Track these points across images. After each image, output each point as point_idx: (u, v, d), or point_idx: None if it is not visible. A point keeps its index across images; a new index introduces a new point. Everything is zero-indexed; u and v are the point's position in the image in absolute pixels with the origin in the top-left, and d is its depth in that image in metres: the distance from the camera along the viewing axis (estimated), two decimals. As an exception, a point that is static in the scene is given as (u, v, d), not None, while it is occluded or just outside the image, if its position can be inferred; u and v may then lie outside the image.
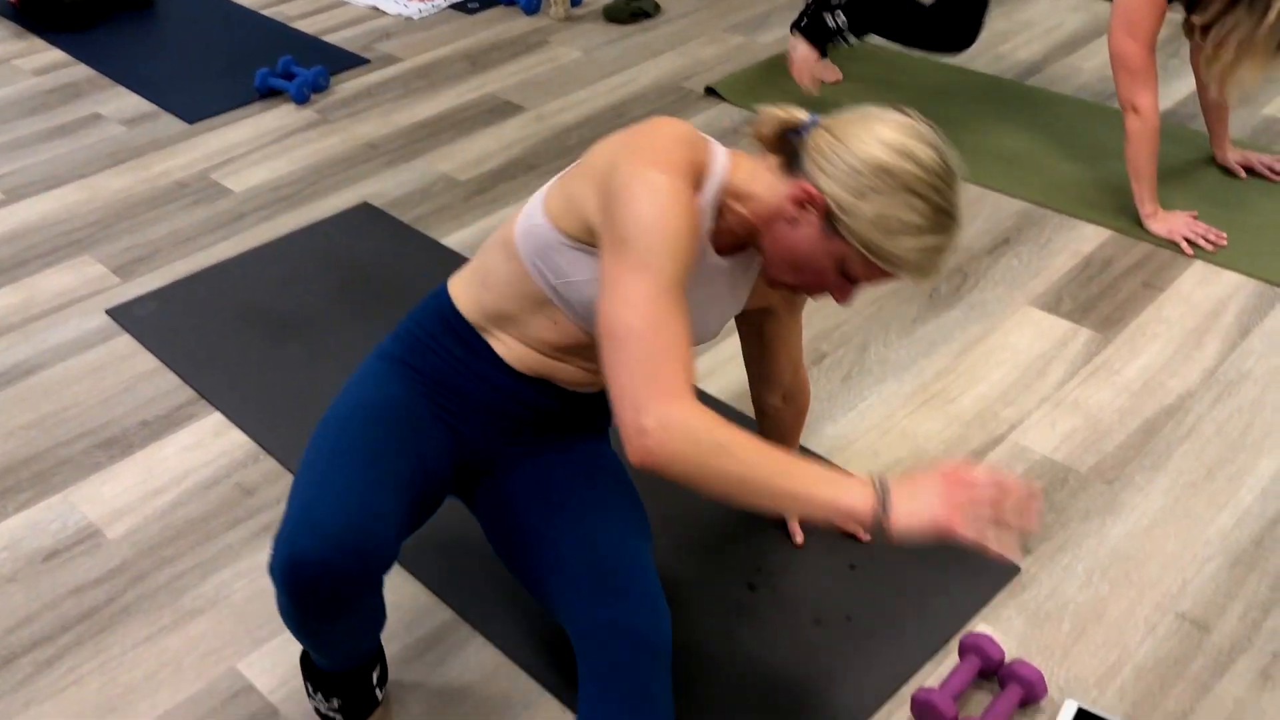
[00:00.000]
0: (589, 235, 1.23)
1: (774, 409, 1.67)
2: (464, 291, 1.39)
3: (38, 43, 3.57)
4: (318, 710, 1.44)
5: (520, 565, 1.37)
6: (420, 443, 1.33)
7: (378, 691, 1.44)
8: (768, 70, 3.22)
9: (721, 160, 1.26)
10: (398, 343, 1.41)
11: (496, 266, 1.35)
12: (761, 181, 1.25)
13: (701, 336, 1.38)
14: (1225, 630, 1.60)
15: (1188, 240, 2.39)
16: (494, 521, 1.41)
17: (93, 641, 1.63)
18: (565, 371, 1.37)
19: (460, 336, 1.38)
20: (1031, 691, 1.47)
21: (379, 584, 1.22)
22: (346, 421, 1.30)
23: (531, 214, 1.31)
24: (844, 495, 1.09)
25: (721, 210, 1.27)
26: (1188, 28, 2.29)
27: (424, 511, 1.34)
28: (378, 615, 1.31)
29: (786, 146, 1.25)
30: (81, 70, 3.38)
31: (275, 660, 1.59)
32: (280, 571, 1.16)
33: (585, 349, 1.35)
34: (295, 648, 1.61)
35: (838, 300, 1.27)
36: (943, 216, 1.16)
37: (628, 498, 1.38)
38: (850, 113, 1.21)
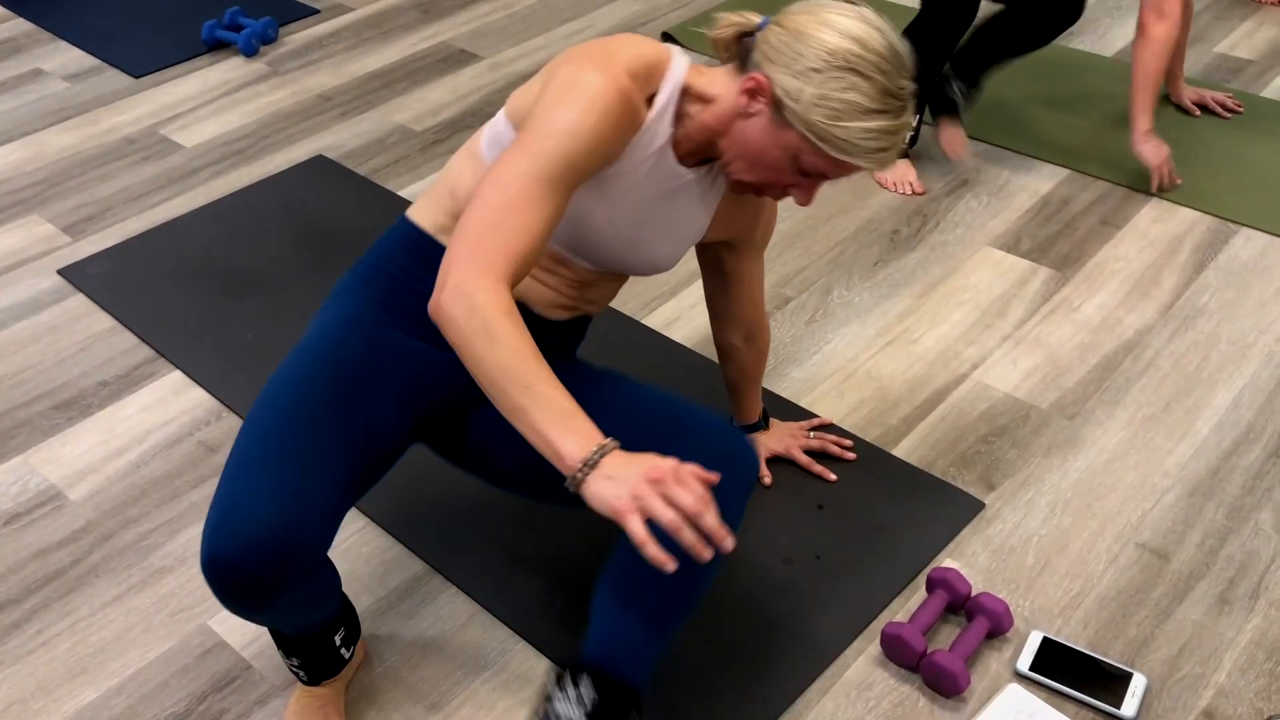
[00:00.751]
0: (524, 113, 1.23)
1: (735, 349, 1.67)
2: (428, 210, 1.35)
3: (-27, -3, 3.46)
4: (285, 662, 1.43)
5: (542, 481, 1.32)
6: (371, 403, 1.27)
7: (343, 652, 1.41)
8: (726, 12, 3.18)
9: (680, 65, 1.26)
10: (356, 279, 1.37)
11: (463, 174, 1.32)
12: (718, 84, 1.24)
13: (661, 256, 1.37)
14: (1184, 558, 1.64)
15: (1161, 174, 2.35)
16: (489, 457, 1.36)
17: (60, 603, 1.62)
18: (537, 291, 1.35)
19: (425, 254, 1.33)
20: (998, 623, 1.50)
21: (316, 569, 1.20)
22: (285, 390, 1.23)
23: (495, 120, 1.30)
24: (561, 440, 1.05)
25: (680, 116, 1.26)
26: None
27: (375, 472, 1.29)
28: (324, 591, 1.26)
29: (743, 49, 1.24)
30: (20, 24, 3.28)
31: (247, 616, 1.59)
32: (204, 568, 1.13)
33: (559, 268, 1.34)
34: (267, 603, 1.60)
35: (799, 201, 1.26)
36: (889, 98, 1.15)
37: (634, 382, 1.37)
38: (800, 5, 1.20)
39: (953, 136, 2.44)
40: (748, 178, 1.25)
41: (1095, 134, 2.59)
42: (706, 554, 1.02)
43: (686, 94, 1.26)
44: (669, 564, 1.01)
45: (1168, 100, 2.71)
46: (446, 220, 1.33)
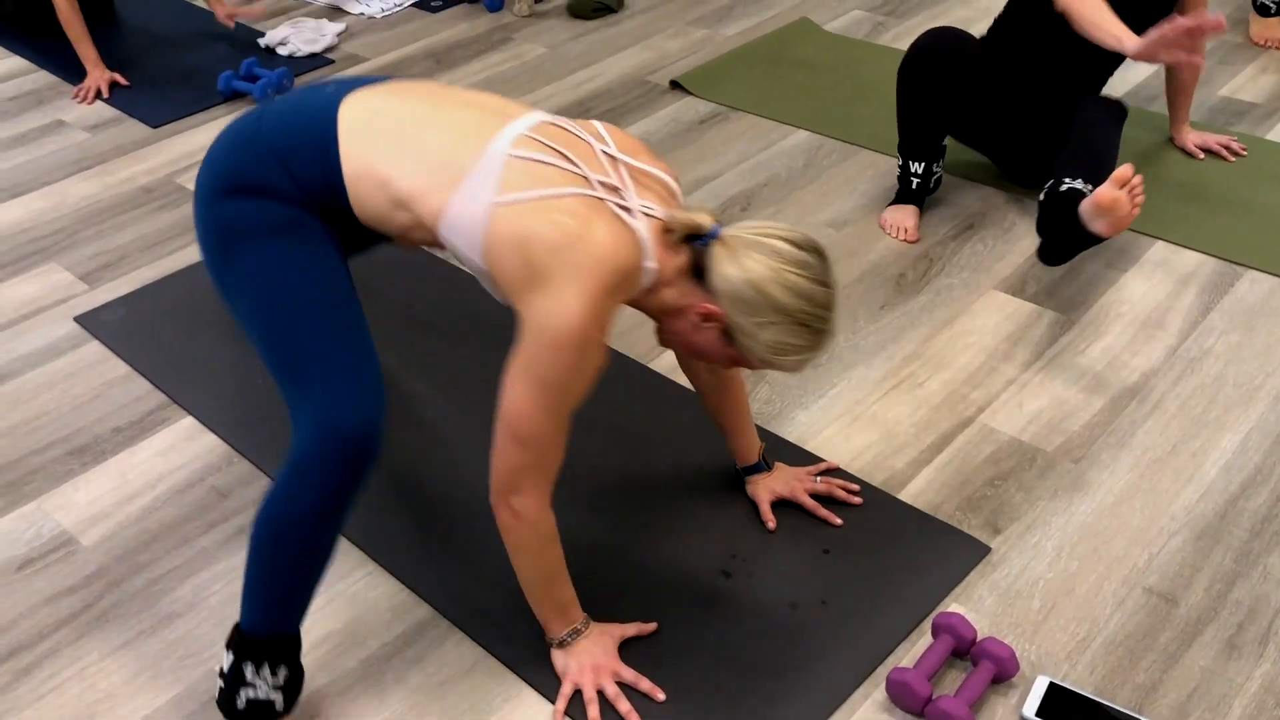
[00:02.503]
0: (507, 289, 1.37)
1: (707, 385, 1.70)
2: (365, 184, 1.41)
3: (-3, 50, 3.54)
4: (250, 702, 1.41)
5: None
6: (346, 277, 1.45)
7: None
8: (732, 63, 3.23)
9: (648, 270, 1.38)
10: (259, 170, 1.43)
11: (404, 195, 1.40)
12: (674, 281, 1.40)
13: None
14: (1191, 602, 1.63)
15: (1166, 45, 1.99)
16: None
17: (71, 648, 1.63)
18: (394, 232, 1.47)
19: (327, 165, 1.42)
20: (1004, 668, 1.50)
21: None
22: (314, 296, 1.40)
23: (460, 226, 1.38)
24: (551, 625, 1.52)
25: (637, 298, 1.43)
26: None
27: None
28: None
29: (694, 252, 1.39)
30: (44, 77, 3.35)
31: (255, 661, 1.60)
32: (330, 444, 1.33)
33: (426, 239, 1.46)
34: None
35: (723, 370, 1.57)
36: (824, 337, 1.37)
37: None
38: (748, 230, 1.35)
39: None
40: (688, 355, 1.49)
41: (1100, 177, 2.60)
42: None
43: (644, 289, 1.42)
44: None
45: (1171, 143, 2.73)
46: (375, 200, 1.42)
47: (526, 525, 1.42)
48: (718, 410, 1.72)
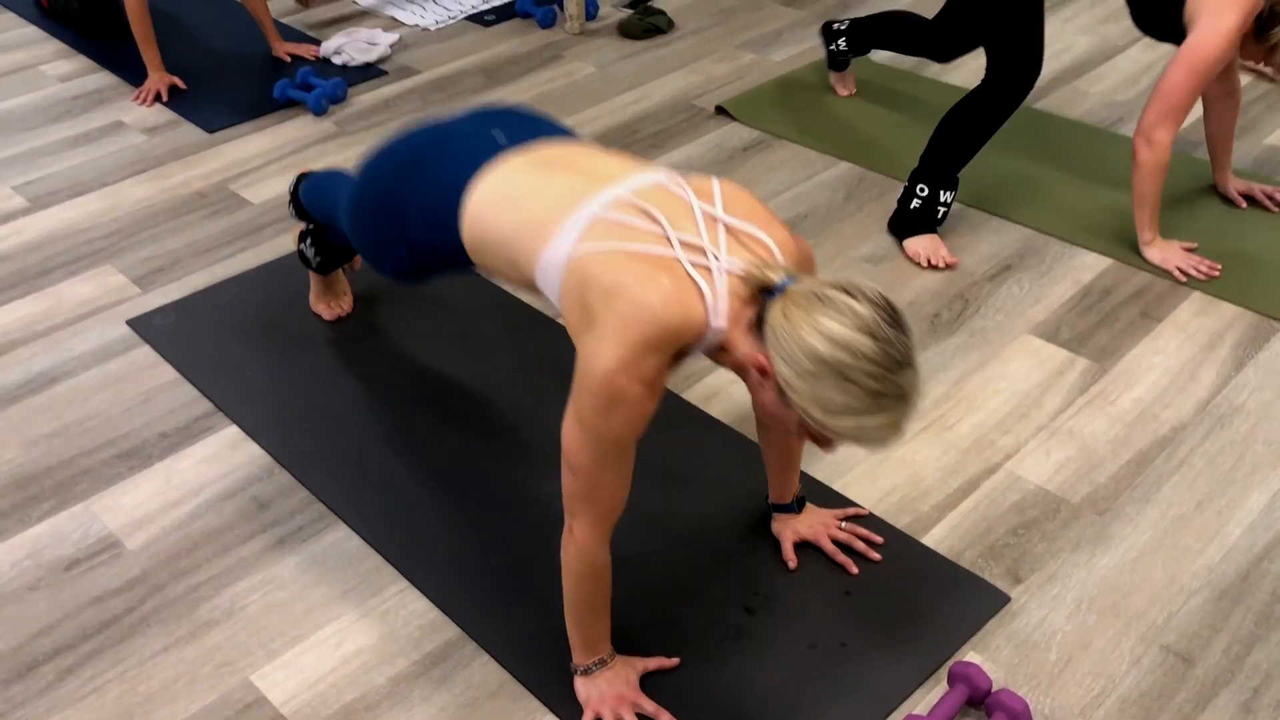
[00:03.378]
0: (571, 331, 1.46)
1: (777, 439, 1.73)
2: (491, 248, 1.58)
3: (63, 48, 3.63)
4: (301, 252, 2.24)
5: None
6: None
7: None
8: (778, 89, 3.26)
9: (716, 329, 1.38)
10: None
11: (516, 263, 1.54)
12: (740, 338, 1.38)
13: None
14: (1209, 663, 1.65)
15: (1181, 270, 2.43)
16: None
17: (112, 650, 1.69)
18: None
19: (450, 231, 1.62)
20: (1017, 720, 1.52)
21: None
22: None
23: (552, 278, 1.48)
24: (578, 653, 1.58)
25: (711, 353, 1.43)
26: (1247, 50, 2.35)
27: None
28: None
29: (760, 305, 1.35)
30: (106, 78, 3.44)
31: (288, 673, 1.65)
32: None
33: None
34: (308, 660, 1.67)
35: (821, 449, 1.40)
36: (882, 399, 1.26)
37: None
38: (812, 290, 1.29)
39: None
40: (767, 422, 1.45)
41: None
42: None
43: (714, 346, 1.41)
44: None
45: (1214, 191, 2.73)
46: (492, 261, 1.60)
47: (576, 551, 1.47)
48: (774, 457, 1.76)
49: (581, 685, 1.58)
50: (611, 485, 1.44)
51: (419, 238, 1.69)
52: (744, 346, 1.37)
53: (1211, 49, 2.27)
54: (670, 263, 1.37)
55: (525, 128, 1.66)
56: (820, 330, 1.25)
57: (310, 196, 2.17)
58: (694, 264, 1.37)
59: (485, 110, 1.73)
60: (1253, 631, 1.69)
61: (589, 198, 1.46)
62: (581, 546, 1.47)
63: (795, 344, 1.27)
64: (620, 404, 1.35)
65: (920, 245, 2.51)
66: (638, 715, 1.55)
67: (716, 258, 1.38)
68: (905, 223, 2.55)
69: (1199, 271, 2.43)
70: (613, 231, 1.41)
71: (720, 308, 1.36)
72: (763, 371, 1.33)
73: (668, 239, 1.39)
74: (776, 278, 1.34)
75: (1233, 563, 1.80)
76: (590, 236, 1.42)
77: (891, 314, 1.27)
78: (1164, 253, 2.46)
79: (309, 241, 2.23)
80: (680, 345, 1.37)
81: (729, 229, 1.42)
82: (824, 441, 1.37)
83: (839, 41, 3.09)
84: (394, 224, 1.72)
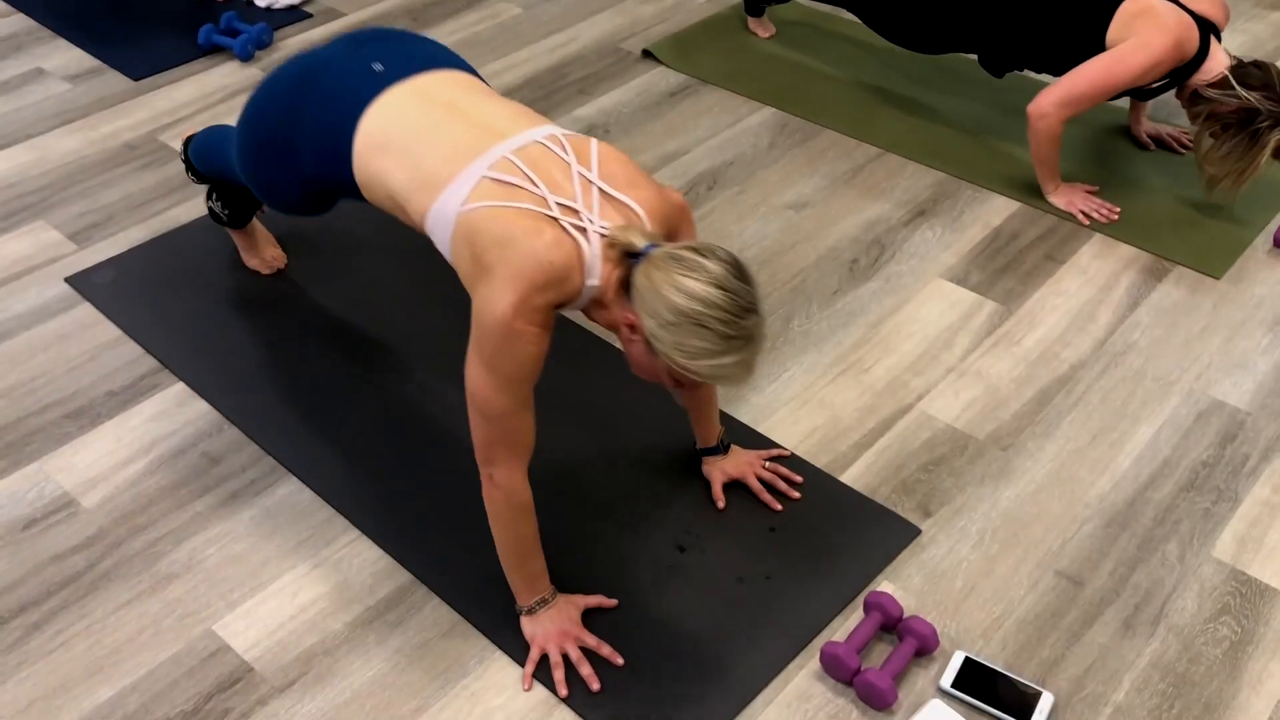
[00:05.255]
0: (464, 281, 1.60)
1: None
2: (370, 154, 1.69)
3: (-28, -12, 3.55)
4: (211, 210, 2.30)
5: None
6: None
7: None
8: (704, 32, 3.32)
9: (593, 273, 1.53)
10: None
11: (402, 203, 1.66)
12: (611, 298, 1.54)
13: None
14: (1096, 585, 1.82)
15: (1084, 213, 2.58)
16: None
17: (77, 606, 1.77)
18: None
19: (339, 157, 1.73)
20: (925, 644, 1.68)
21: None
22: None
23: (437, 223, 1.62)
24: (521, 594, 1.70)
25: (588, 309, 1.59)
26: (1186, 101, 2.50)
27: None
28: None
29: (626, 268, 1.51)
30: (20, 20, 3.38)
31: (248, 622, 1.75)
32: None
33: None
34: (267, 609, 1.76)
35: (680, 400, 1.70)
36: (733, 341, 1.43)
37: None
38: (669, 253, 1.46)
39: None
40: (641, 376, 1.57)
41: (1047, 167, 2.75)
42: (594, 685, 1.65)
43: (593, 299, 1.57)
44: (560, 688, 1.65)
45: (1122, 133, 2.87)
46: (379, 197, 1.72)
47: (501, 495, 1.59)
48: (689, 398, 1.87)
49: (527, 624, 1.70)
50: (526, 422, 1.57)
51: (311, 172, 1.80)
52: (615, 307, 1.53)
53: (1135, 63, 2.40)
54: (550, 221, 1.52)
55: (403, 54, 1.76)
56: (678, 287, 1.42)
57: (199, 155, 2.25)
58: (571, 224, 1.52)
59: (359, 36, 1.82)
60: (1135, 554, 1.87)
61: (476, 156, 1.58)
62: (507, 488, 1.58)
63: (658, 301, 1.43)
64: (519, 343, 1.49)
65: (1068, 197, 2.63)
66: (580, 649, 1.68)
67: (591, 221, 1.53)
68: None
69: (1100, 214, 2.58)
70: (496, 193, 1.55)
71: (594, 267, 1.52)
72: (631, 327, 1.49)
73: (545, 200, 1.53)
74: (640, 244, 1.49)
75: (1121, 492, 1.97)
76: (476, 197, 1.55)
77: (738, 269, 1.45)
78: (1068, 196, 2.61)
79: (214, 198, 2.31)
80: (564, 292, 1.52)
81: (603, 194, 1.56)
82: (688, 385, 1.53)
83: None
84: (285, 159, 1.81)
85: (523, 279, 1.48)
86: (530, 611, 1.70)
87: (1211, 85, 2.39)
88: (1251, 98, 2.33)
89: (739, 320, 1.42)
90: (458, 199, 1.56)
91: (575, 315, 2.27)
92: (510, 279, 1.48)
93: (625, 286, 1.51)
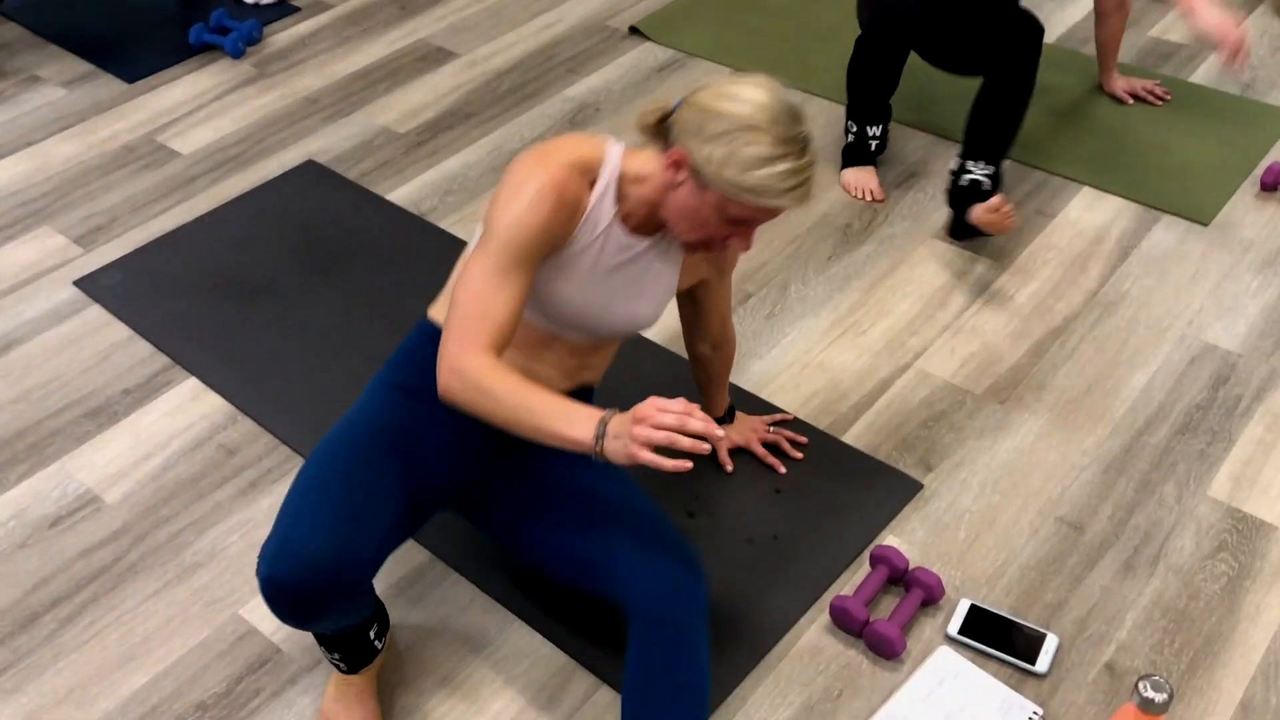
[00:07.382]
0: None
1: (704, 356, 1.87)
2: (440, 308, 1.58)
3: (-38, 0, 3.58)
4: (325, 655, 1.64)
5: (553, 557, 1.55)
6: (417, 458, 1.52)
7: (376, 643, 1.61)
8: (690, 6, 3.34)
9: (615, 154, 1.48)
10: (391, 370, 1.60)
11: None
12: (650, 163, 1.46)
13: (640, 315, 1.57)
14: (1096, 529, 1.87)
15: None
16: (512, 532, 1.59)
17: (107, 598, 1.82)
18: (543, 371, 1.58)
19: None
20: (931, 594, 1.73)
21: (359, 591, 1.43)
22: (339, 440, 1.49)
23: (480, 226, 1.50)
24: (570, 429, 1.31)
25: (622, 196, 1.48)
26: None
27: (415, 523, 1.54)
28: (364, 605, 1.49)
29: (664, 130, 1.45)
30: (12, 29, 3.41)
31: (274, 605, 1.80)
32: (261, 586, 1.37)
33: (555, 342, 1.56)
34: (290, 593, 1.82)
35: (740, 248, 1.47)
36: (786, 144, 1.34)
37: (621, 473, 1.60)
38: (705, 85, 1.41)
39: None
40: (690, 237, 1.46)
41: (1034, 125, 2.78)
42: (704, 448, 1.26)
43: (624, 177, 1.47)
44: (685, 464, 1.26)
45: (1101, 90, 2.90)
46: None
47: (458, 378, 1.35)
48: (706, 376, 1.90)
49: (610, 450, 1.30)
50: (502, 300, 1.38)
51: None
52: (655, 163, 1.44)
53: None
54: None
55: None
56: (726, 94, 1.36)
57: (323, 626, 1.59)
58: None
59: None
60: (1133, 498, 1.91)
61: None
62: (460, 366, 1.35)
63: (706, 117, 1.35)
64: (528, 186, 1.38)
65: (852, 177, 2.63)
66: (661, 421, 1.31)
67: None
68: (843, 155, 2.65)
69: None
70: None
71: (615, 150, 1.47)
72: (678, 165, 1.39)
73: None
74: (672, 101, 1.46)
75: (1118, 438, 2.01)
76: None
77: (777, 85, 1.39)
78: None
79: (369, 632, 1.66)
80: (589, 169, 1.44)
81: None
82: (743, 231, 1.43)
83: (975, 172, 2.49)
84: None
85: (552, 147, 1.43)
86: (601, 438, 1.30)
87: None
88: None
89: (792, 125, 1.35)
90: None
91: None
92: (534, 160, 1.42)
93: (665, 141, 1.42)
